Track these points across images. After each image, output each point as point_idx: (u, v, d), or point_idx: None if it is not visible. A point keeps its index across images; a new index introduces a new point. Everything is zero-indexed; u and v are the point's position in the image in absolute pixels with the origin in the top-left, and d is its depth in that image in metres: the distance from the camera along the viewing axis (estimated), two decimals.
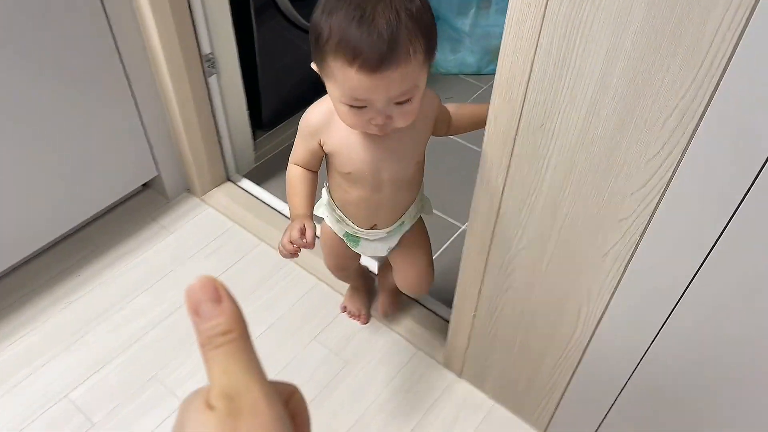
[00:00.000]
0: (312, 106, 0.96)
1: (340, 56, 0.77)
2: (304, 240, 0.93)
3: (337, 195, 1.05)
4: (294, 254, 0.95)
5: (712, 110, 0.63)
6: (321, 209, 1.12)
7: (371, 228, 1.07)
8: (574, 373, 1.04)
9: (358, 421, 1.25)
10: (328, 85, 0.85)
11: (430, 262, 1.19)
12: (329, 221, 1.11)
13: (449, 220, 1.64)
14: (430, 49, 0.81)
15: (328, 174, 1.04)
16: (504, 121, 0.82)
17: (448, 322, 1.25)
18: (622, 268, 0.83)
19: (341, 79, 0.80)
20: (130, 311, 1.44)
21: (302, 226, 0.94)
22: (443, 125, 1.03)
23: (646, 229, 0.77)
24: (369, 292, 1.44)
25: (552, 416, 1.16)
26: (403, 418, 1.26)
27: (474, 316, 1.14)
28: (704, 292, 0.77)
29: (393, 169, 0.97)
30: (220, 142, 1.65)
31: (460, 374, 1.31)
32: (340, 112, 0.87)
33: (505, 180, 0.88)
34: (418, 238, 1.15)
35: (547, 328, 1.02)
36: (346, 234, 1.10)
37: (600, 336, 0.95)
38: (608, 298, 0.89)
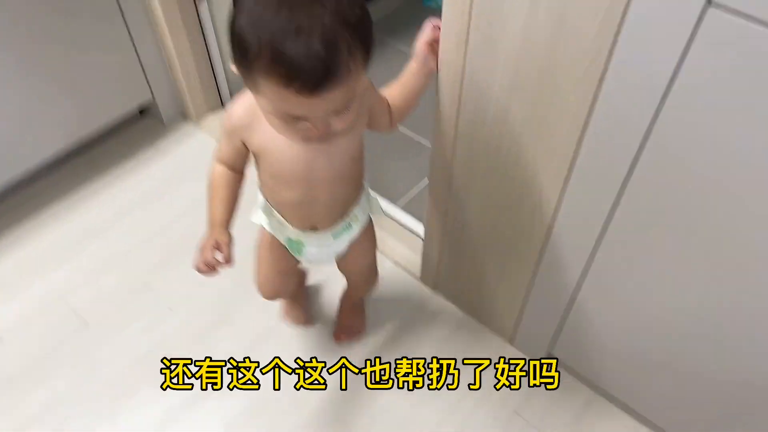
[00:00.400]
0: (237, 100, 0.86)
1: (273, 77, 0.68)
2: (220, 258, 0.86)
3: (268, 196, 0.98)
4: (212, 273, 0.87)
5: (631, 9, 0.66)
6: (258, 214, 1.03)
7: (312, 230, 0.99)
8: (533, 280, 1.09)
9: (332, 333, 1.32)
10: (256, 97, 0.76)
11: (373, 264, 1.17)
12: (269, 227, 1.03)
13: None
14: (368, 54, 0.73)
15: (257, 173, 0.95)
16: (455, 30, 0.85)
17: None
18: (567, 166, 0.87)
19: (274, 97, 0.72)
20: (126, 227, 1.51)
21: (214, 242, 0.87)
22: (383, 117, 0.93)
23: (586, 125, 0.80)
24: (304, 296, 1.38)
25: (516, 324, 1.22)
26: (377, 329, 1.33)
27: (444, 224, 1.18)
28: (644, 186, 0.81)
29: (325, 167, 0.88)
30: (213, 69, 1.69)
31: (434, 288, 1.37)
32: (272, 123, 0.79)
33: (461, 84, 0.91)
34: (365, 241, 1.08)
35: (507, 236, 1.07)
36: (289, 240, 1.01)
37: (554, 240, 0.99)
38: (556, 200, 0.92)
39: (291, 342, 1.30)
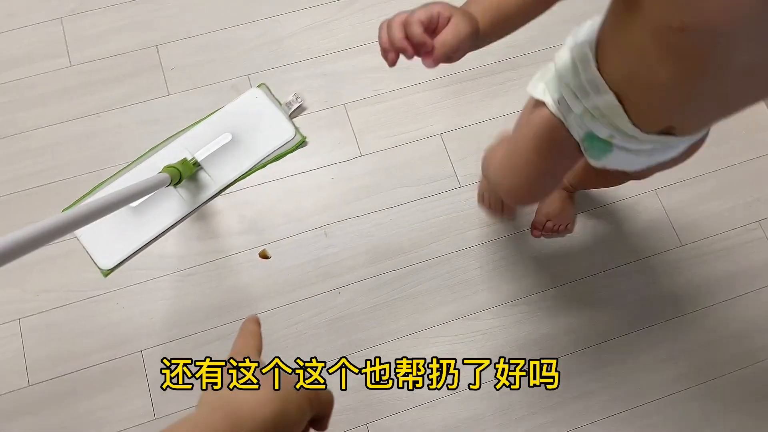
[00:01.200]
0: None
1: None
2: (428, 42, 0.52)
3: (618, 68, 0.58)
4: (393, 53, 0.54)
5: None
6: (541, 86, 0.69)
7: (662, 132, 0.62)
8: None
9: None
10: None
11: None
12: (564, 112, 0.67)
13: None
14: None
15: (608, 25, 0.58)
16: None
17: None
18: None
19: None
20: None
21: (439, 11, 0.53)
22: None
23: None
24: None
25: None
26: None
27: None
28: None
29: None
30: None
31: None
32: None
33: None
34: (686, 156, 0.75)
35: None
36: (591, 138, 0.66)
37: None
38: None
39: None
